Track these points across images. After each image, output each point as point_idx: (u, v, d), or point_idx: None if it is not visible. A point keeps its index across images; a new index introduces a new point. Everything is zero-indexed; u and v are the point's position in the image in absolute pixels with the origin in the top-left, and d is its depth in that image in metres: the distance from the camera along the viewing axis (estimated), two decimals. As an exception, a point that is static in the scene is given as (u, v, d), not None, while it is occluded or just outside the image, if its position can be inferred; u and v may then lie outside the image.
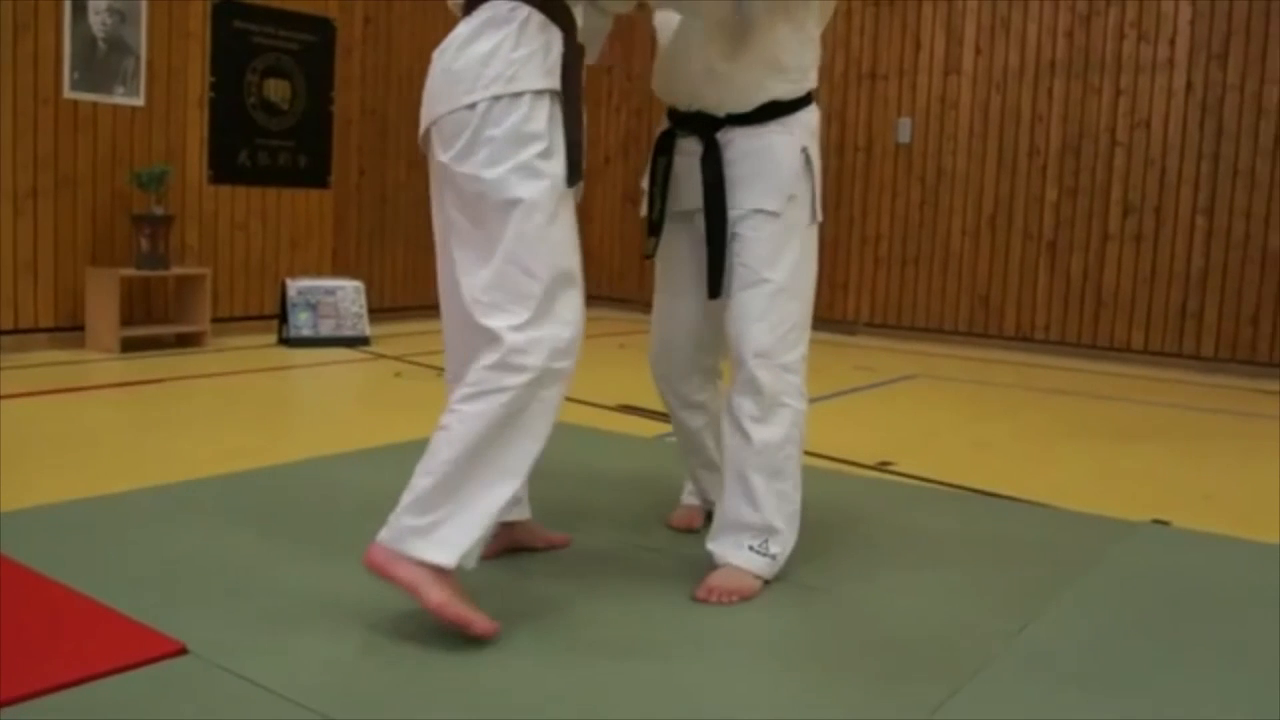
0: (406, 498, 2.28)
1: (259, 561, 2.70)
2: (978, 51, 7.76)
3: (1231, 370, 6.90)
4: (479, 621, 2.25)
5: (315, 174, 7.24)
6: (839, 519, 3.26)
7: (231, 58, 6.67)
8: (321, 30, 7.15)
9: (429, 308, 7.90)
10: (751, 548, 2.66)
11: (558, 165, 2.30)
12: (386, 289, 7.79)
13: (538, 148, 2.26)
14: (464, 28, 2.33)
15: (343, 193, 7.46)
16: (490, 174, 2.23)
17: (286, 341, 6.58)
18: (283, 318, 6.65)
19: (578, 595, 2.55)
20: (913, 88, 8.01)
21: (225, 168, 6.71)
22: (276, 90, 6.94)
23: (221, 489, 3.33)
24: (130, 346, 5.98)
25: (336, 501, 3.24)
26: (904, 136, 8.03)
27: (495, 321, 2.24)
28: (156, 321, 6.40)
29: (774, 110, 2.73)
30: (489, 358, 2.24)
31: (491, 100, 2.23)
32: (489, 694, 2.05)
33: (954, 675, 2.19)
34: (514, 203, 2.24)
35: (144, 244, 6.05)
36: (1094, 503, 3.58)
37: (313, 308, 6.69)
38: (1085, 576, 2.84)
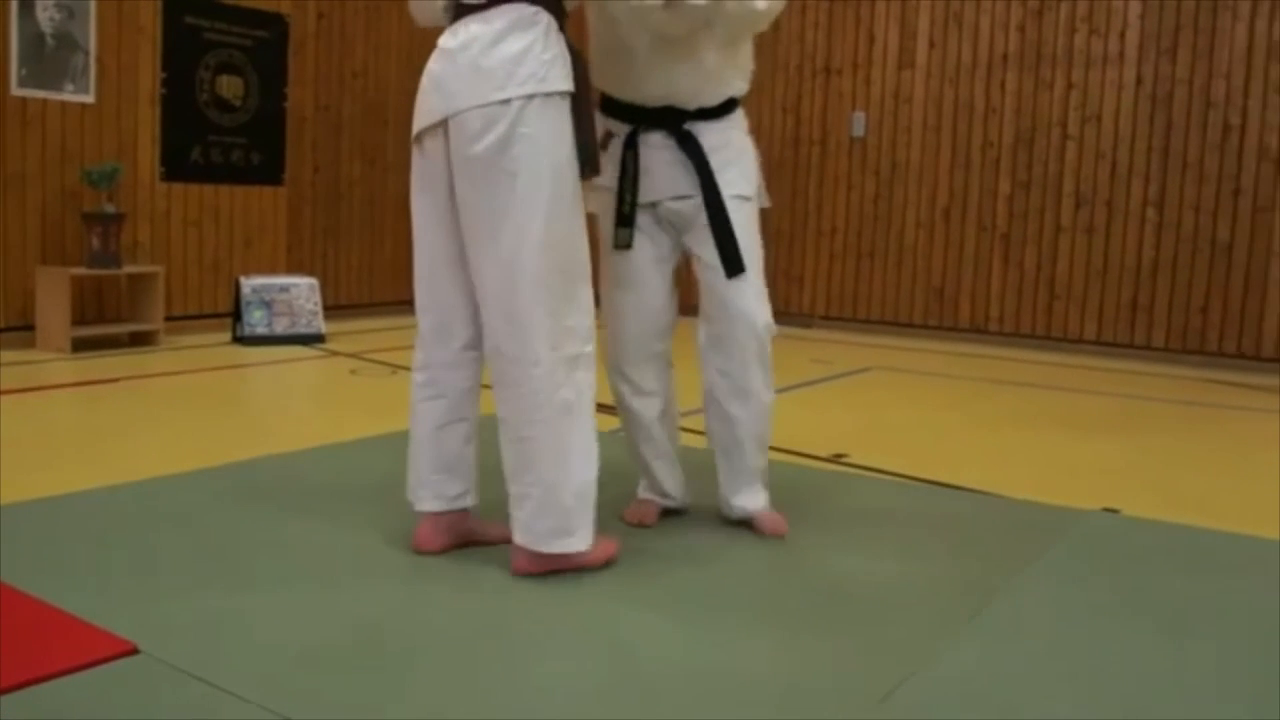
0: (529, 505, 2.55)
1: (214, 560, 2.69)
2: (931, 46, 7.81)
3: (1181, 360, 6.99)
4: (614, 547, 2.71)
5: (269, 171, 7.19)
6: (794, 511, 3.27)
7: (183, 54, 6.62)
8: (274, 26, 7.10)
9: (384, 304, 7.91)
10: (760, 489, 3.08)
11: (576, 162, 2.50)
12: (341, 286, 7.75)
13: (568, 146, 2.46)
14: (483, 26, 2.45)
15: (297, 190, 7.42)
16: (529, 168, 2.40)
17: (241, 340, 6.54)
18: (237, 316, 6.61)
19: (539, 585, 2.56)
20: (867, 82, 8.05)
21: (177, 165, 6.66)
22: (229, 87, 6.89)
23: (176, 488, 3.30)
24: (82, 346, 5.93)
25: (293, 499, 3.23)
26: (858, 130, 8.08)
27: (536, 317, 2.47)
28: (109, 321, 6.34)
29: (731, 105, 2.93)
30: (538, 358, 2.48)
31: (526, 99, 2.39)
32: (447, 690, 2.05)
33: (907, 661, 2.22)
34: (551, 197, 2.44)
35: (95, 242, 5.99)
36: (1046, 492, 3.62)
37: (267, 305, 6.65)
38: (1035, 564, 2.87)
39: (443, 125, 2.52)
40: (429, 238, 2.67)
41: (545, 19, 2.47)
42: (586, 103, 2.54)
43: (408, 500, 2.82)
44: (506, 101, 2.40)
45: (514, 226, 2.44)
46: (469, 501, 2.79)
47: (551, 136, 2.44)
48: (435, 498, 2.75)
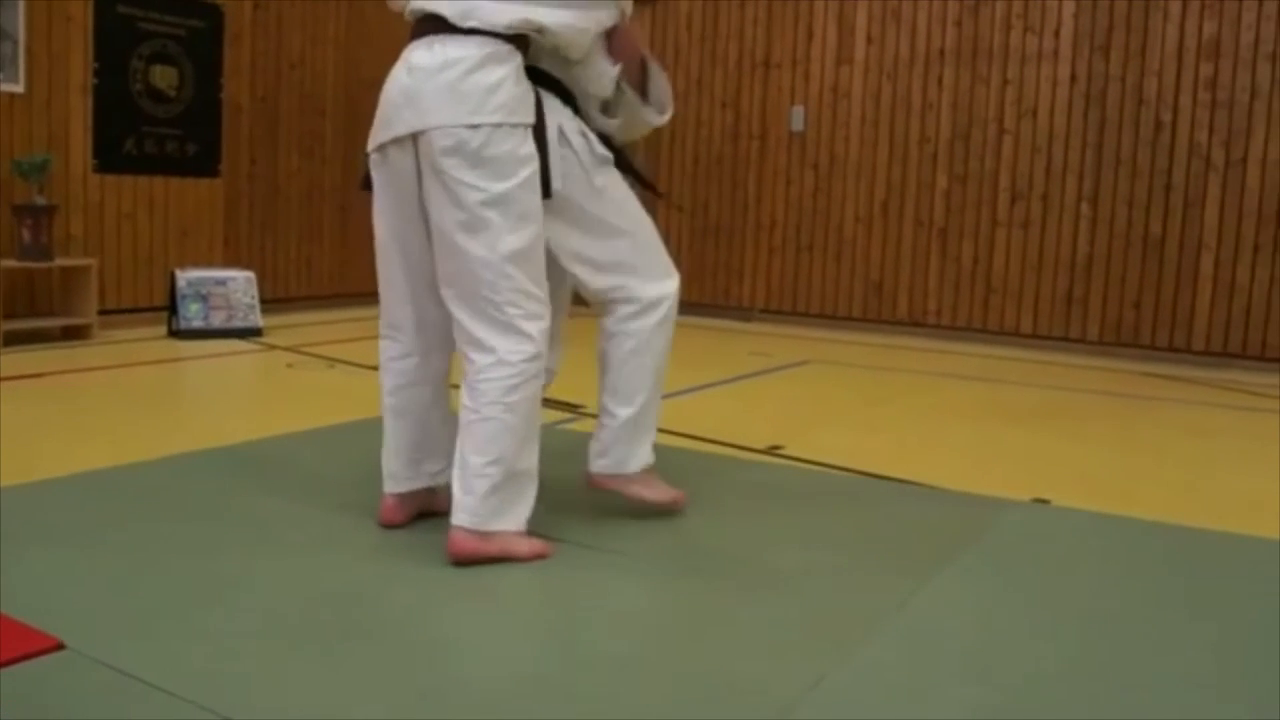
0: (483, 485, 2.64)
1: (145, 555, 2.66)
2: (869, 41, 7.86)
3: (1115, 353, 7.09)
4: (545, 546, 2.76)
5: (204, 163, 7.11)
6: (729, 502, 3.30)
7: (115, 43, 6.53)
8: (209, 16, 7.02)
9: (321, 298, 7.85)
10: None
11: (538, 184, 2.71)
12: (279, 279, 7.68)
13: (530, 168, 2.67)
14: (462, 51, 2.64)
15: (233, 182, 7.34)
16: (498, 187, 2.61)
17: (177, 334, 6.47)
18: (172, 309, 6.53)
19: (471, 576, 2.56)
20: (806, 76, 8.09)
21: (111, 156, 6.57)
22: (163, 77, 6.81)
23: (107, 482, 3.27)
24: (13, 340, 5.83)
25: (227, 493, 3.21)
26: (797, 125, 8.12)
27: (515, 317, 2.66)
28: (40, 314, 6.24)
29: None
30: (517, 350, 2.65)
31: (494, 127, 2.60)
32: (382, 683, 2.05)
33: (834, 652, 2.24)
34: (520, 215, 2.65)
35: (26, 235, 5.89)
36: (978, 483, 3.66)
37: (203, 299, 6.58)
38: (965, 554, 2.90)
39: (411, 139, 2.68)
40: (399, 240, 2.84)
41: (517, 59, 2.68)
42: (543, 133, 2.75)
43: (386, 488, 2.96)
44: (477, 126, 2.59)
45: (480, 237, 2.63)
46: (448, 477, 2.89)
47: (514, 161, 2.64)
48: (417, 477, 2.95)
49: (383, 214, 2.85)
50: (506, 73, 2.66)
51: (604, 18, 2.87)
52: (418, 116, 2.65)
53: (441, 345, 2.92)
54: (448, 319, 2.81)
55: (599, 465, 3.05)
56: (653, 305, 2.98)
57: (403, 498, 2.96)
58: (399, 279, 2.88)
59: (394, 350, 2.94)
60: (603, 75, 2.93)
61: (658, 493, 3.11)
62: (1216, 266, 6.87)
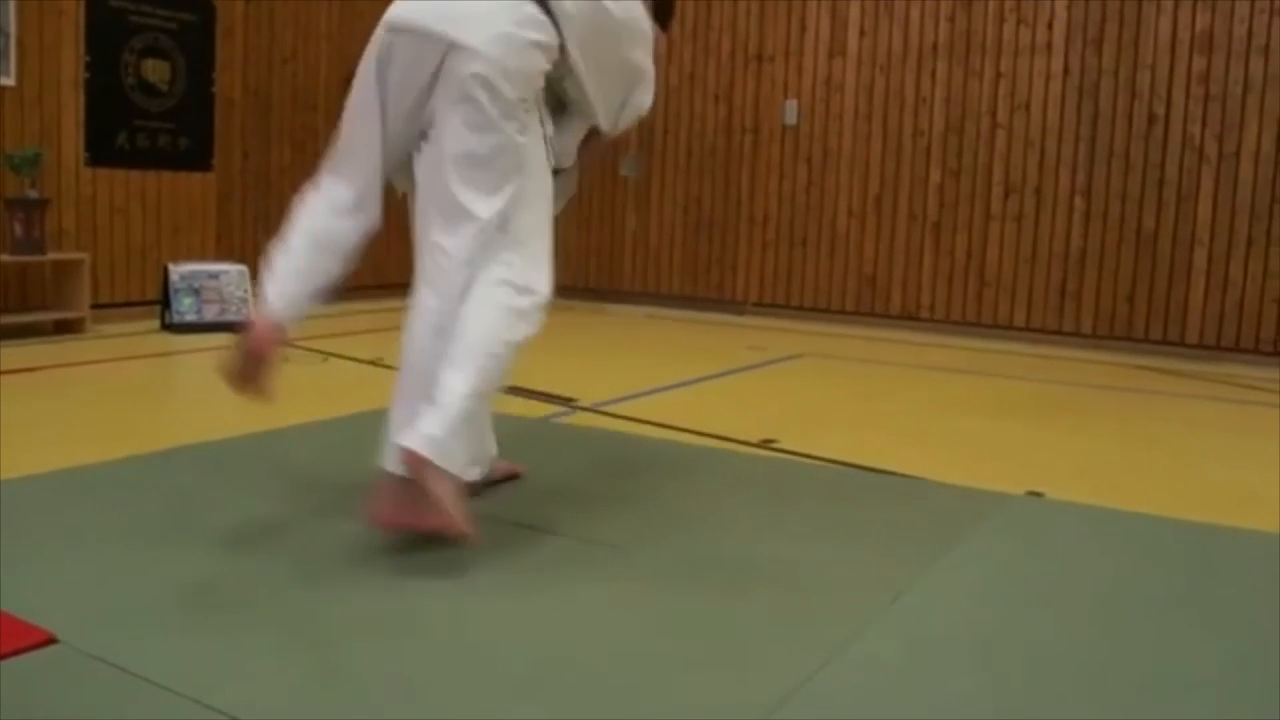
0: (455, 409, 2.52)
1: (138, 550, 2.65)
2: (862, 34, 7.86)
3: (1109, 347, 7.10)
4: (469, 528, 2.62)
5: (197, 156, 7.10)
6: (723, 496, 3.30)
7: (107, 37, 6.51)
8: (201, 10, 7.00)
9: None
10: None
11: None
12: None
13: (545, 129, 2.84)
14: (531, 19, 2.71)
15: (226, 176, 7.32)
16: (522, 139, 2.74)
17: (169, 327, 6.46)
18: (165, 303, 6.52)
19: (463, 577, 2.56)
20: (799, 70, 8.09)
21: (103, 150, 6.55)
22: (155, 71, 6.78)
23: (100, 477, 3.26)
24: (5, 334, 5.82)
25: (221, 488, 3.20)
26: (790, 118, 8.11)
27: (521, 264, 2.74)
28: (33, 309, 6.23)
29: None
30: (522, 299, 2.72)
31: (520, 99, 2.72)
32: (370, 682, 2.04)
33: (825, 646, 2.23)
34: (541, 165, 2.80)
35: (18, 229, 5.88)
36: (972, 476, 3.66)
37: (196, 293, 6.57)
38: (958, 547, 2.90)
39: (449, 45, 2.67)
40: (383, 118, 2.86)
41: (548, 69, 2.79)
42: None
43: (269, 307, 2.87)
44: (517, 88, 2.70)
45: (517, 183, 2.73)
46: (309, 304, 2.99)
47: (537, 127, 2.81)
48: (297, 305, 2.91)
49: (373, 87, 2.85)
50: (542, 69, 2.78)
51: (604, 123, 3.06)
52: (471, 33, 2.66)
53: (378, 208, 2.91)
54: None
55: (415, 440, 2.50)
56: (526, 289, 2.75)
57: (278, 326, 2.86)
58: (368, 147, 2.89)
59: (335, 188, 2.95)
60: (567, 151, 3.06)
61: (444, 513, 2.53)
62: (1209, 260, 6.88)
